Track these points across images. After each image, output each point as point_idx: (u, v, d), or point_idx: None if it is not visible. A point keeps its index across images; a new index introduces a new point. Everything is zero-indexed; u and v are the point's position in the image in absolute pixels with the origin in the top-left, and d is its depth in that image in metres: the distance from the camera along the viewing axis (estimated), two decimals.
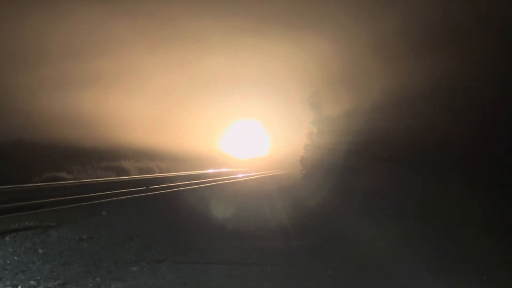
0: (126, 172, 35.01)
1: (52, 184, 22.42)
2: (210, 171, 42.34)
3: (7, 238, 9.01)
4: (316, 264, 7.67)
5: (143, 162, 39.00)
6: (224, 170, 45.55)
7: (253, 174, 39.15)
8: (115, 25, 37.28)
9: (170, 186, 22.44)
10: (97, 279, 6.75)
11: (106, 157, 36.05)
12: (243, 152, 55.84)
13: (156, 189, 20.40)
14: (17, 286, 6.30)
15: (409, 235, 10.31)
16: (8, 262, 7.38)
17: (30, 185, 20.99)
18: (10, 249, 8.17)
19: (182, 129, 48.54)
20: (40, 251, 8.18)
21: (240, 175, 36.00)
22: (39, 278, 6.70)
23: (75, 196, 16.02)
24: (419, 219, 12.50)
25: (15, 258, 7.62)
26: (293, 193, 20.51)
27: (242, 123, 53.80)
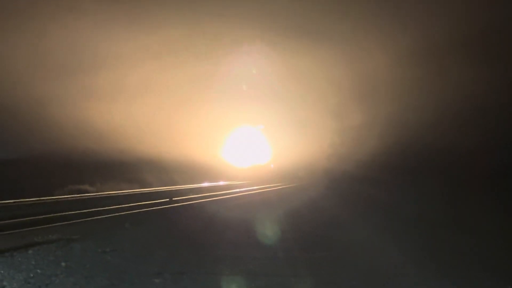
0: (149, 184, 35.02)
1: (75, 196, 22.56)
2: (205, 184, 36.62)
3: (30, 251, 9.01)
4: (339, 275, 7.55)
5: (166, 174, 38.76)
6: (232, 183, 39.06)
7: (264, 187, 34.70)
8: (134, 34, 37.43)
9: (192, 198, 22.37)
10: None
11: (129, 169, 36.14)
12: (245, 161, 49.88)
13: (178, 201, 20.35)
14: None
15: (435, 246, 10.15)
16: (31, 275, 7.36)
17: (53, 197, 21.13)
18: (33, 262, 8.15)
19: (195, 138, 45.37)
20: (63, 264, 8.14)
21: (247, 188, 32.15)
22: None
23: (98, 209, 16.03)
24: (445, 229, 12.36)
25: (38, 271, 7.59)
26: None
27: (247, 130, 49.33)
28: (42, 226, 12.21)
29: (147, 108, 43.46)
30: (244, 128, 48.37)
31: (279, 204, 20.53)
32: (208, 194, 24.63)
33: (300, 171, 43.44)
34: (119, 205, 17.45)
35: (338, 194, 25.06)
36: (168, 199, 20.34)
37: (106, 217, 14.73)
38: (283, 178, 42.00)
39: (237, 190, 30.22)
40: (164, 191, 26.57)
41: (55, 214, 14.15)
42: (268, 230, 12.10)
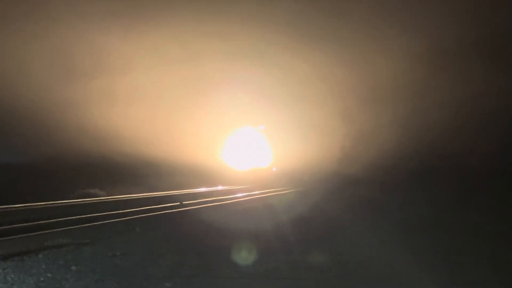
0: (159, 188, 34.86)
1: (85, 200, 22.57)
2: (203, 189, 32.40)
3: (40, 255, 9.02)
4: (345, 278, 7.57)
5: (176, 178, 38.29)
6: (231, 187, 34.93)
7: (266, 191, 32.10)
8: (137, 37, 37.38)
9: (203, 201, 22.32)
10: None
11: (139, 173, 35.94)
12: (246, 164, 46.36)
13: (189, 205, 20.28)
14: None
15: (443, 251, 10.09)
16: (42, 279, 7.36)
17: (63, 201, 21.15)
18: (44, 266, 8.16)
19: (193, 140, 43.47)
20: (73, 268, 8.14)
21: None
22: None
23: (109, 213, 16.03)
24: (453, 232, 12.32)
25: (49, 275, 7.59)
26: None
27: (248, 131, 46.67)
28: (52, 230, 12.21)
29: (144, 110, 42.97)
30: (245, 129, 46.84)
31: (284, 209, 20.39)
32: (207, 199, 24.27)
33: (305, 175, 42.32)
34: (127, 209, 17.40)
35: (345, 199, 24.82)
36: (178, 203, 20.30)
37: (116, 221, 14.76)
38: (287, 182, 39.93)
39: (237, 195, 28.65)
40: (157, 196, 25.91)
41: (65, 218, 14.16)
42: (275, 237, 12.01)
